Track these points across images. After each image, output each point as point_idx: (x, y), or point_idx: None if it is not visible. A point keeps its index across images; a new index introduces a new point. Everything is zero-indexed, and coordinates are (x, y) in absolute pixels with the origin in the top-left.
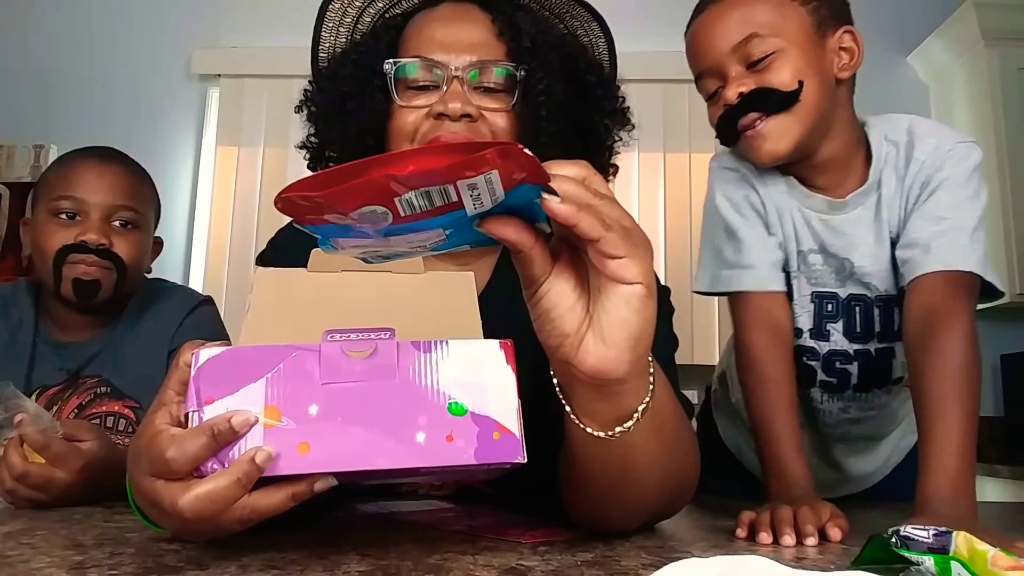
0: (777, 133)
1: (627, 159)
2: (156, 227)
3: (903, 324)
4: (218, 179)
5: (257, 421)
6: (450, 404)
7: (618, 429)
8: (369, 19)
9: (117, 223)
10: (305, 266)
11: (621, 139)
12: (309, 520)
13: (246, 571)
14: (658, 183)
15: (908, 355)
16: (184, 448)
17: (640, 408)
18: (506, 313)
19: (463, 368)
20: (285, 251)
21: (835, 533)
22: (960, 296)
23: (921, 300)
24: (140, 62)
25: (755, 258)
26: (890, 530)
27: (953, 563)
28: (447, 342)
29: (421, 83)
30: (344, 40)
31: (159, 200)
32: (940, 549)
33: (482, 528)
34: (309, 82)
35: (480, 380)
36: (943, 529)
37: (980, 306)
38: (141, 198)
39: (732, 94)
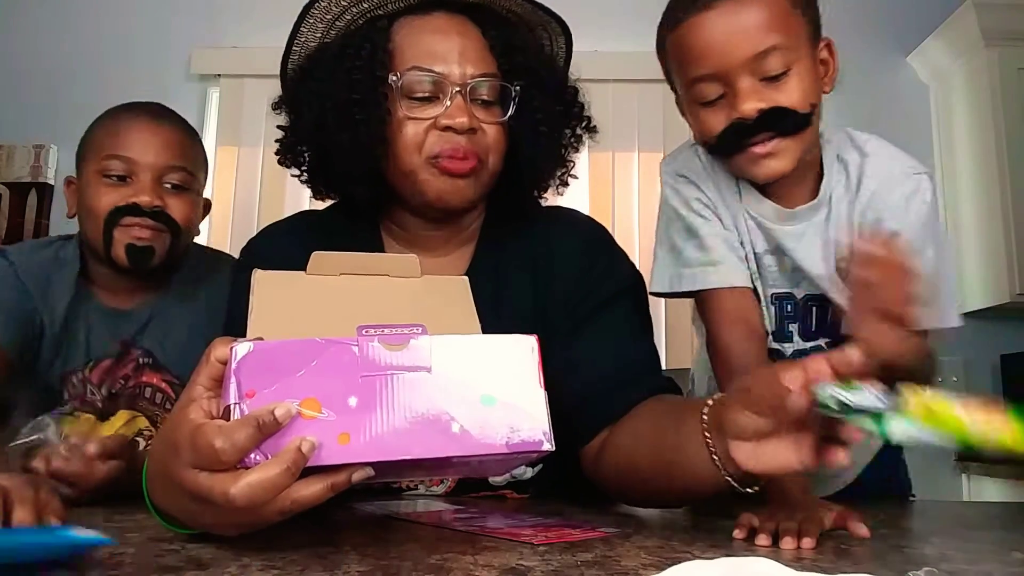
0: (784, 153)
1: (627, 159)
2: (204, 188)
3: None
4: (218, 179)
5: (298, 413)
6: (482, 396)
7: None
8: (350, 16)
9: (169, 184)
10: (285, 270)
11: (584, 143)
12: (308, 515)
13: (246, 571)
14: (658, 183)
15: None
16: (233, 439)
17: None
18: (491, 301)
19: (493, 361)
20: (262, 258)
21: (860, 529)
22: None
23: None
24: (140, 62)
25: (720, 254)
26: (823, 392)
27: (894, 417)
28: (478, 336)
29: (424, 95)
30: (319, 35)
31: (207, 161)
32: (885, 411)
33: (488, 529)
34: (291, 80)
35: (509, 372)
36: (888, 392)
37: (979, 306)
38: (193, 159)
39: (751, 110)
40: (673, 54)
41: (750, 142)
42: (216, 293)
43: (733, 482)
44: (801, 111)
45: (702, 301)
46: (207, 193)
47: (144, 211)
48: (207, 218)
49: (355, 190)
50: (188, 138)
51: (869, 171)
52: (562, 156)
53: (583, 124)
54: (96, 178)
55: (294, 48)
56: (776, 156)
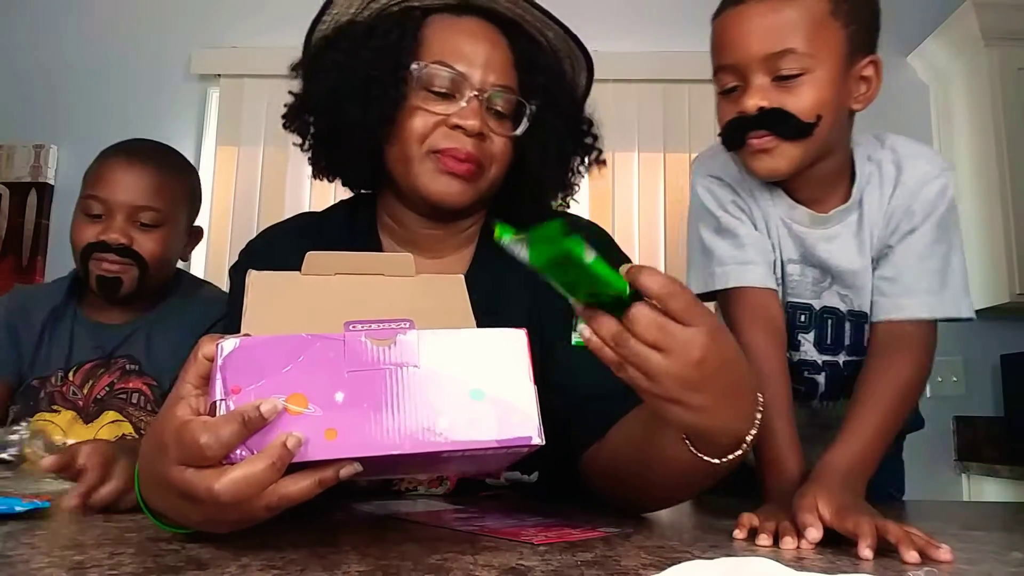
0: (779, 154)
1: (627, 159)
2: (195, 217)
3: (871, 336)
4: (218, 179)
5: (284, 408)
6: (471, 390)
7: (730, 456)
8: (385, 0)
9: (141, 222)
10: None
11: (589, 170)
12: (307, 515)
13: (246, 571)
14: (658, 183)
15: (868, 359)
16: (218, 434)
17: (748, 439)
18: (490, 303)
19: (482, 355)
20: (261, 259)
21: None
22: (929, 330)
23: (894, 327)
24: (140, 62)
25: (753, 254)
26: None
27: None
28: (466, 331)
29: (441, 90)
30: (353, 11)
31: (197, 191)
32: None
33: (488, 529)
34: (314, 47)
35: (498, 367)
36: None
37: (979, 306)
38: (166, 196)
39: (752, 106)
40: (712, 42)
41: (747, 136)
42: (201, 312)
43: (689, 444)
44: (804, 119)
45: (729, 299)
46: (206, 191)
47: (111, 247)
48: (207, 218)
49: (352, 170)
50: (162, 176)
51: (907, 169)
52: (565, 180)
53: (592, 156)
54: (79, 215)
55: (324, 18)
56: (771, 154)
